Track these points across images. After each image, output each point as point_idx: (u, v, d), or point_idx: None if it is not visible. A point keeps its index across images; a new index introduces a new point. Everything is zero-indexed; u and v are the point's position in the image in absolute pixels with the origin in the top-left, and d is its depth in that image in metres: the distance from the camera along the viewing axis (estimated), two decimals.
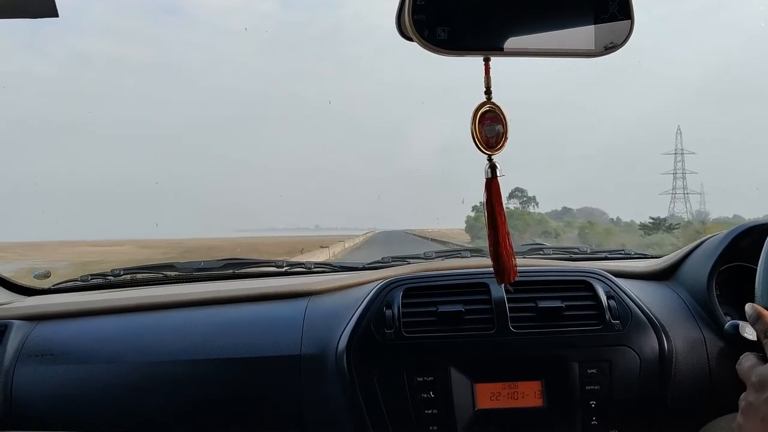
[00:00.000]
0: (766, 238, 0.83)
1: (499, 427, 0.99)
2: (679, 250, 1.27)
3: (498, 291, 1.06)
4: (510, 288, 0.82)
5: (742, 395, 0.73)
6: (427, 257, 1.51)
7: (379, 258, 1.53)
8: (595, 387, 0.99)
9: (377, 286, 1.10)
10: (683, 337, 1.07)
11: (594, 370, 1.00)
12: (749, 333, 0.96)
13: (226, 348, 1.08)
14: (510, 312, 1.04)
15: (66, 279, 1.51)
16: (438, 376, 0.99)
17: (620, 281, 1.13)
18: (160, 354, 1.08)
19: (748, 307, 0.79)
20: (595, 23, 0.66)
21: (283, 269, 1.53)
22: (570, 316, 1.05)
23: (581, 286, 1.10)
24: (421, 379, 0.99)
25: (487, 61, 0.68)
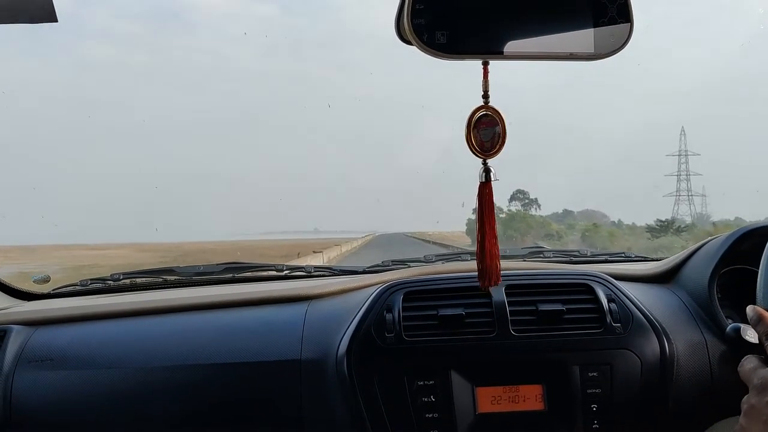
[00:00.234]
0: (767, 241, 0.83)
1: (500, 431, 0.99)
2: (680, 253, 1.27)
3: (499, 294, 1.06)
4: (491, 291, 0.81)
5: (745, 398, 0.73)
6: (427, 260, 1.51)
7: (379, 261, 1.53)
8: (597, 390, 0.99)
9: (377, 290, 1.10)
10: (685, 340, 1.06)
11: (595, 374, 1.00)
12: (751, 335, 0.96)
13: (227, 352, 1.08)
14: (511, 315, 1.04)
15: (66, 284, 1.51)
16: (439, 379, 0.99)
17: (621, 284, 1.13)
18: (160, 359, 1.08)
19: (750, 310, 0.78)
20: (594, 27, 0.67)
21: (283, 273, 1.53)
22: (571, 319, 1.04)
23: (582, 290, 1.10)
24: (421, 382, 0.98)
25: (485, 64, 0.68)
